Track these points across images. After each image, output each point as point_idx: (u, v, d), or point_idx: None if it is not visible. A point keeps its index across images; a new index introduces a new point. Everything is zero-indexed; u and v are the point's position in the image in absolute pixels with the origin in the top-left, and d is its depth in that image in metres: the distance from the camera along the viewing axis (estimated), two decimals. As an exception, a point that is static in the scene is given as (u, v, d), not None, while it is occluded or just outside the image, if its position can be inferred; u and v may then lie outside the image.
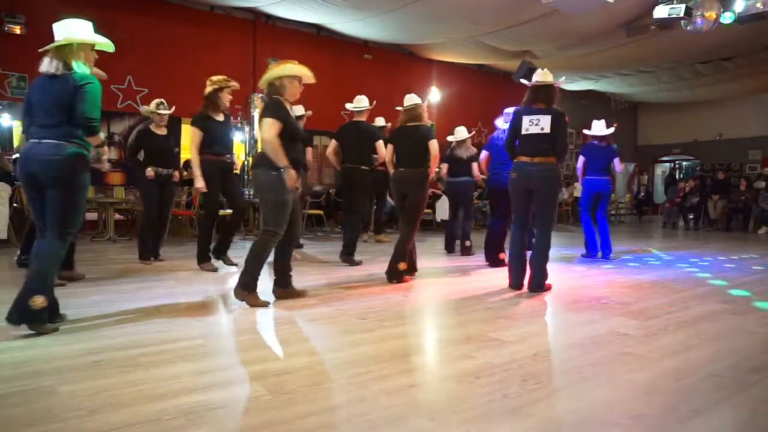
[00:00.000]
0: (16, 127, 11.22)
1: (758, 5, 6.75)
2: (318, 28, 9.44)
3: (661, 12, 6.76)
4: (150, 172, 4.95)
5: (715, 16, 6.85)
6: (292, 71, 3.37)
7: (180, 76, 8.22)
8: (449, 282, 4.42)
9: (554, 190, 3.96)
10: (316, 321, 3.04)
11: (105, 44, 3.05)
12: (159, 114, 5.16)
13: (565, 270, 5.21)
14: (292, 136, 3.34)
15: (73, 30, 2.90)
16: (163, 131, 5.23)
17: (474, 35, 8.95)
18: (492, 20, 8.11)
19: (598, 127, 5.98)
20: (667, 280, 4.65)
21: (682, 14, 6.62)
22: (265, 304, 3.33)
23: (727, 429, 1.77)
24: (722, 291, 4.19)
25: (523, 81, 4.22)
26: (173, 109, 5.43)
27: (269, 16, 8.90)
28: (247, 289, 3.31)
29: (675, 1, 6.70)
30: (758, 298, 3.89)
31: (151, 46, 8.08)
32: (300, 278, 4.45)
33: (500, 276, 4.74)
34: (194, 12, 8.48)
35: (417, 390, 2.00)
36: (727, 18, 6.90)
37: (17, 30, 6.88)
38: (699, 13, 6.81)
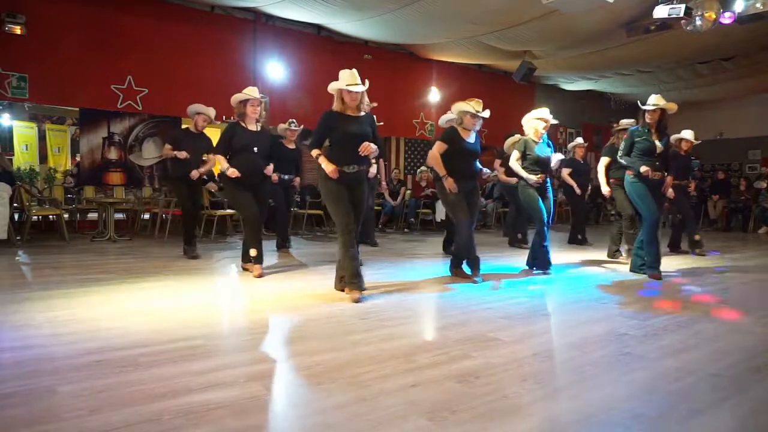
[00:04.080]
0: (17, 127, 11.27)
1: (758, 5, 6.74)
2: (318, 28, 9.42)
3: (661, 12, 6.75)
4: (275, 177, 5.55)
5: (714, 16, 6.84)
6: (464, 108, 4.47)
7: (180, 76, 8.21)
8: (449, 282, 4.41)
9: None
10: (316, 321, 3.04)
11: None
12: (291, 130, 6.30)
13: (565, 269, 5.22)
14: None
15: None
16: (291, 145, 6.32)
17: (474, 35, 8.94)
18: (492, 20, 8.10)
19: (683, 135, 6.54)
20: (667, 280, 4.65)
21: (682, 14, 6.61)
22: (470, 280, 4.36)
23: (727, 429, 1.77)
24: (721, 291, 4.19)
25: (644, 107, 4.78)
26: (301, 127, 6.45)
27: (269, 16, 8.89)
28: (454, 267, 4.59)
29: (675, 1, 6.69)
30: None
31: (151, 46, 8.07)
32: (299, 278, 4.45)
33: (500, 276, 4.74)
34: (194, 12, 8.47)
35: (417, 390, 2.00)
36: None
37: (17, 30, 6.86)
38: (699, 13, 6.80)
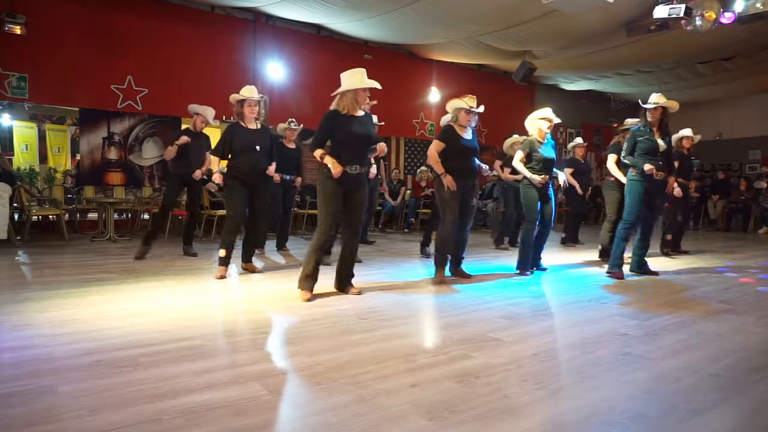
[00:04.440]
0: (17, 127, 11.27)
1: (758, 5, 6.74)
2: (318, 28, 9.42)
3: (661, 12, 6.75)
4: (277, 177, 5.53)
5: (714, 16, 6.84)
6: (458, 104, 4.46)
7: (180, 76, 8.21)
8: (449, 281, 4.41)
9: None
10: (316, 321, 3.04)
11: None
12: (290, 129, 6.23)
13: (566, 270, 5.22)
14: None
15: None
16: (292, 145, 6.25)
17: (474, 35, 8.94)
18: (492, 20, 8.09)
19: (682, 134, 6.46)
20: (668, 280, 4.65)
21: (682, 14, 6.61)
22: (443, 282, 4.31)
23: (727, 429, 1.77)
24: (721, 291, 4.19)
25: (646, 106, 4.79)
26: (301, 126, 6.35)
27: (269, 16, 8.89)
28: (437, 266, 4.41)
29: (675, 1, 6.68)
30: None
31: (151, 46, 8.07)
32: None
33: (500, 276, 4.74)
34: (194, 12, 8.47)
35: (417, 390, 2.00)
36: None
37: (17, 30, 6.86)
38: (699, 13, 6.80)
